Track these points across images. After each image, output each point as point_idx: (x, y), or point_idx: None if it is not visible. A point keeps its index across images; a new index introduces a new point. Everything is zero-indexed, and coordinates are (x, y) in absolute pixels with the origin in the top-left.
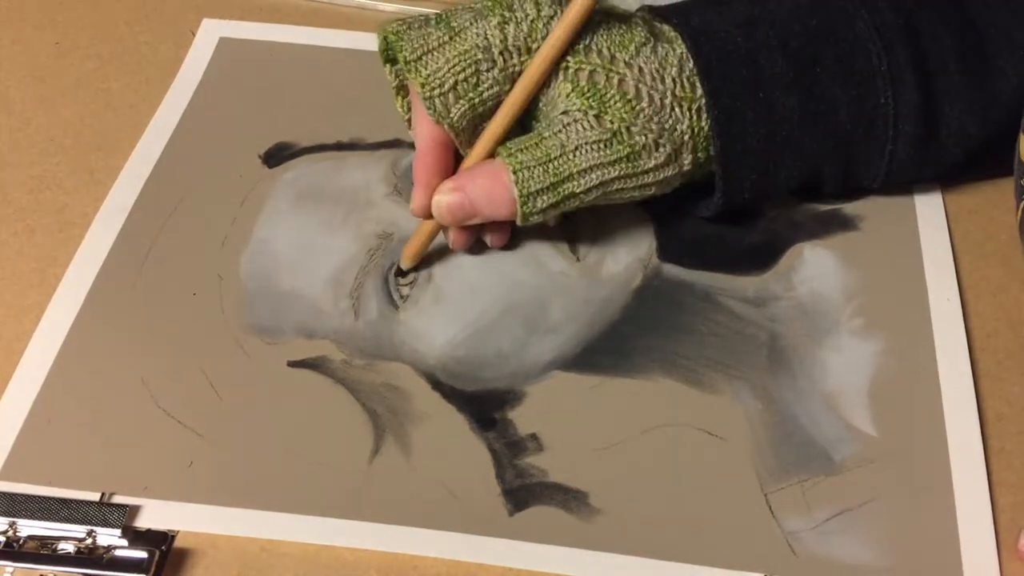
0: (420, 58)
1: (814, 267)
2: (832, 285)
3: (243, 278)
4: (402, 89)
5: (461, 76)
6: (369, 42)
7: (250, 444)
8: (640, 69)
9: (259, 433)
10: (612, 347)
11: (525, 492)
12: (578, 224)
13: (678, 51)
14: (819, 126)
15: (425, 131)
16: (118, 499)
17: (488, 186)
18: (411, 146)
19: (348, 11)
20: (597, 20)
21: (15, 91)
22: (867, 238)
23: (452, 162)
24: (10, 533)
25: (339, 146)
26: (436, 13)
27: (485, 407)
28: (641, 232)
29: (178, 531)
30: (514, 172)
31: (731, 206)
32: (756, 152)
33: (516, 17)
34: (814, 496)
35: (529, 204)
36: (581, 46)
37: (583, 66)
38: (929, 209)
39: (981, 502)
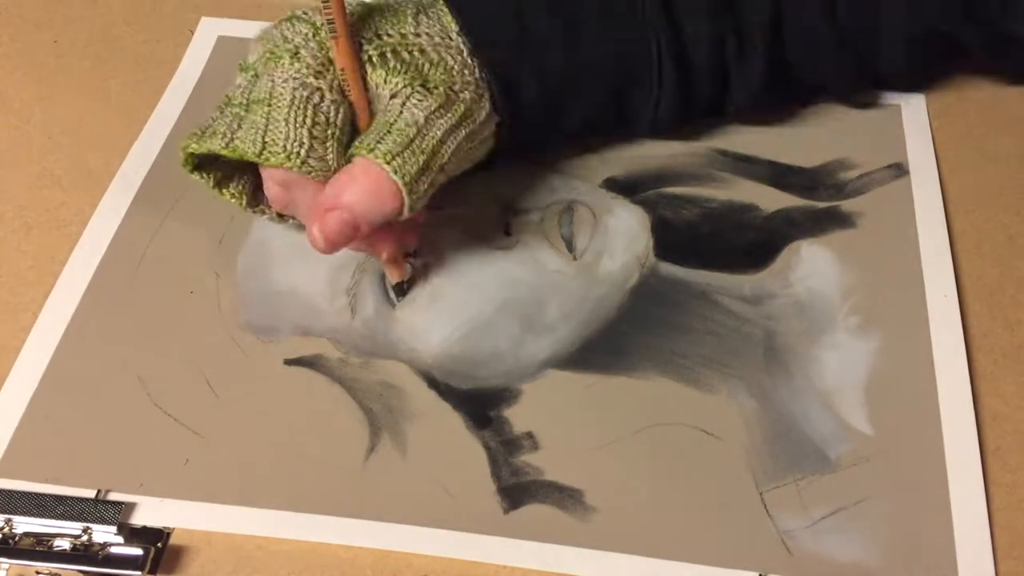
0: (262, 140)
1: (811, 265)
2: (829, 283)
3: (240, 276)
4: (225, 181)
5: (309, 123)
6: None
7: (246, 442)
8: (428, 35)
9: (255, 431)
10: (608, 345)
11: (520, 490)
12: (575, 222)
13: (446, 14)
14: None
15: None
16: (114, 496)
17: (368, 186)
18: None
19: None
20: (363, 11)
21: (14, 89)
22: (864, 236)
23: None
24: (6, 530)
25: None
26: (218, 106)
27: (481, 405)
28: (638, 230)
29: (173, 528)
30: (387, 162)
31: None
32: (532, 107)
33: (297, 42)
34: (809, 495)
35: (415, 189)
36: (370, 34)
37: (384, 48)
38: (927, 208)
39: (976, 501)
